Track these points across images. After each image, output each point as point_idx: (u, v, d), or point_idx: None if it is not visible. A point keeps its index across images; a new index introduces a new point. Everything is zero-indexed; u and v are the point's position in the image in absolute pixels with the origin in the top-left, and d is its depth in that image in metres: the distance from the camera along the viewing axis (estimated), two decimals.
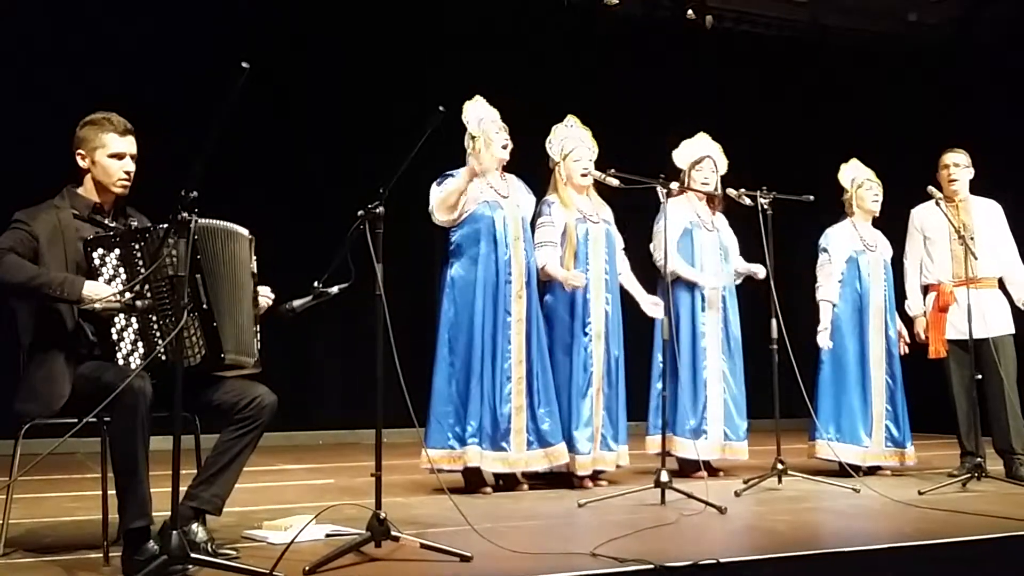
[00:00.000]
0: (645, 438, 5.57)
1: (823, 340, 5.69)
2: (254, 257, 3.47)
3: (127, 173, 3.37)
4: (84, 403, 3.07)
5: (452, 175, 4.87)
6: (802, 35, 9.59)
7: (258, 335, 3.47)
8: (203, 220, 3.15)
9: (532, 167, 5.27)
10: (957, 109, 8.68)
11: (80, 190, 3.39)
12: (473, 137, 4.95)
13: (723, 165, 5.78)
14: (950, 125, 7.99)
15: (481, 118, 4.96)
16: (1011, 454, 5.41)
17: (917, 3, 9.19)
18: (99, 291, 3.12)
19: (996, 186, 5.82)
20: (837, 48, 9.58)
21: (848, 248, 5.78)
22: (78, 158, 3.36)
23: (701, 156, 5.72)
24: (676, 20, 9.06)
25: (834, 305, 5.75)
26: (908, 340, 5.81)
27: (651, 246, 5.64)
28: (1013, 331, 5.54)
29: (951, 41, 9.24)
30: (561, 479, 5.02)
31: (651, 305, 5.37)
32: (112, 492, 3.08)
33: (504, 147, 4.95)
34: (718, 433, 5.56)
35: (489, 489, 4.88)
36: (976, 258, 5.31)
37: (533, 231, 5.11)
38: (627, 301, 5.43)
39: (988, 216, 5.64)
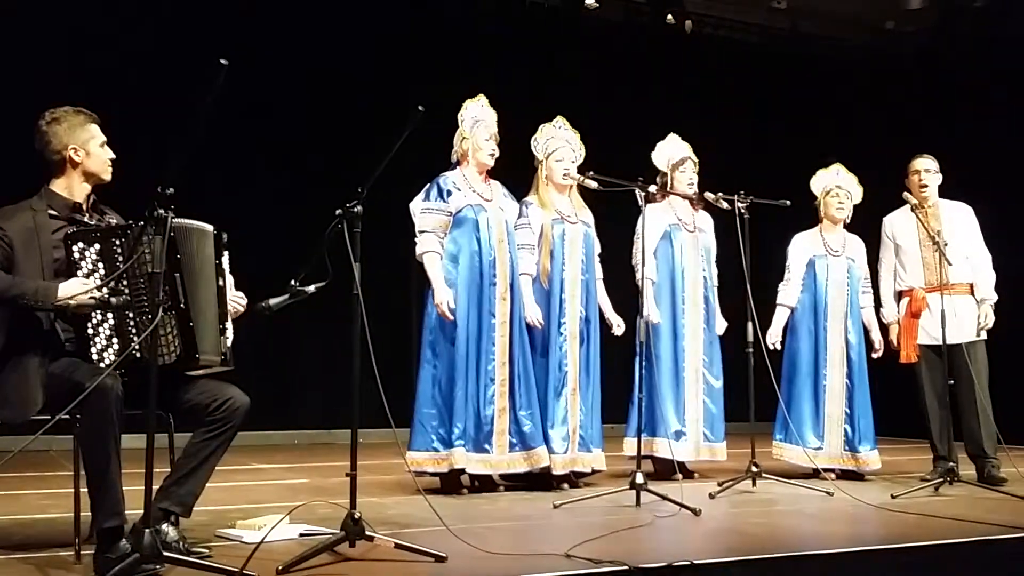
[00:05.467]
0: (623, 440, 5.58)
1: (769, 340, 5.74)
2: (224, 253, 3.45)
3: (111, 159, 3.43)
4: (56, 401, 3.05)
5: (441, 186, 4.90)
6: (781, 41, 9.64)
7: (229, 333, 3.44)
8: (178, 219, 3.13)
9: (509, 169, 5.27)
10: (932, 116, 8.76)
11: (59, 188, 3.36)
12: (464, 137, 4.98)
13: (696, 163, 5.81)
14: (925, 131, 8.07)
15: (476, 120, 4.99)
16: (983, 457, 5.46)
17: (894, 11, 9.27)
18: (73, 290, 3.09)
19: (969, 194, 5.87)
20: (815, 54, 9.65)
21: (808, 253, 5.86)
22: (71, 153, 3.33)
23: (683, 158, 5.74)
24: (655, 25, 9.10)
25: (792, 309, 5.81)
26: (879, 346, 5.86)
27: (632, 251, 5.66)
28: (985, 336, 5.59)
29: (927, 49, 9.32)
30: (538, 480, 5.02)
31: (615, 326, 5.42)
32: (85, 490, 3.06)
33: (491, 155, 4.98)
34: (697, 435, 5.59)
35: (465, 490, 4.88)
36: (950, 264, 5.34)
37: None
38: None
39: (960, 220, 5.68)
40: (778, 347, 5.78)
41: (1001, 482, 5.28)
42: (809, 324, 5.79)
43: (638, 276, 5.52)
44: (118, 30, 7.36)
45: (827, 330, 5.76)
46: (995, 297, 5.59)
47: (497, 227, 4.96)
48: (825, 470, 5.56)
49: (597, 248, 5.44)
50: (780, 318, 5.84)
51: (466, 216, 4.91)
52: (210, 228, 3.40)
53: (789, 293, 5.85)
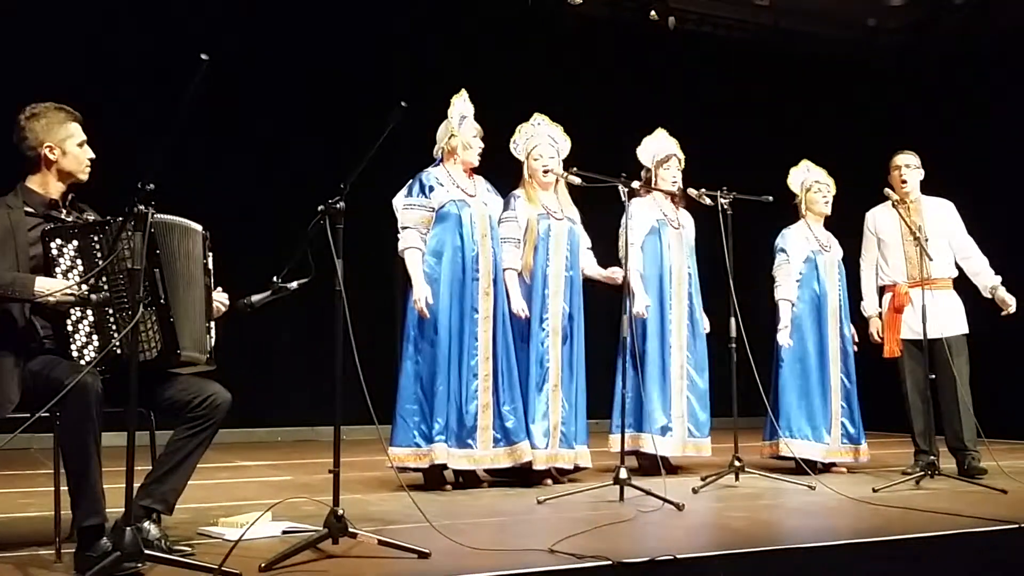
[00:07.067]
0: (608, 436, 5.58)
1: (783, 338, 5.75)
2: (209, 253, 3.45)
3: (90, 159, 3.39)
4: (35, 399, 3.03)
5: (423, 181, 4.90)
6: (763, 37, 9.66)
7: (211, 332, 3.44)
8: (159, 215, 3.13)
9: (493, 166, 5.26)
10: (913, 113, 8.81)
11: (35, 185, 3.34)
12: (452, 134, 4.97)
13: (682, 160, 5.83)
14: (906, 128, 8.12)
15: (464, 117, 5.00)
16: (964, 451, 5.50)
17: (876, 8, 9.31)
18: (51, 286, 3.08)
19: (950, 190, 5.91)
20: (797, 50, 9.68)
21: (805, 249, 5.85)
22: (46, 151, 3.31)
23: (668, 155, 5.75)
24: (639, 21, 9.10)
25: (793, 304, 5.81)
26: (857, 340, 5.90)
27: (619, 245, 5.66)
28: (967, 331, 5.62)
29: (909, 46, 9.37)
30: (522, 476, 5.02)
31: (610, 274, 5.35)
32: (65, 488, 3.04)
33: (478, 153, 5.00)
34: (682, 430, 5.59)
35: (449, 486, 4.87)
36: (931, 259, 5.38)
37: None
38: (592, 301, 5.44)
39: (941, 216, 5.72)
40: (790, 344, 5.77)
41: (981, 475, 5.32)
42: (813, 321, 5.79)
43: (628, 264, 5.54)
44: (117, 28, 7.32)
45: (828, 326, 5.78)
46: (999, 279, 5.61)
47: (480, 222, 4.95)
48: (828, 464, 5.68)
49: (586, 243, 5.44)
50: (787, 314, 5.79)
51: (449, 212, 4.90)
52: (197, 227, 3.40)
53: (791, 288, 5.81)
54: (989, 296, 5.63)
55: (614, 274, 5.34)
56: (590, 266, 5.44)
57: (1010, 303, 5.57)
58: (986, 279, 5.64)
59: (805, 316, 5.80)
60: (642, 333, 5.52)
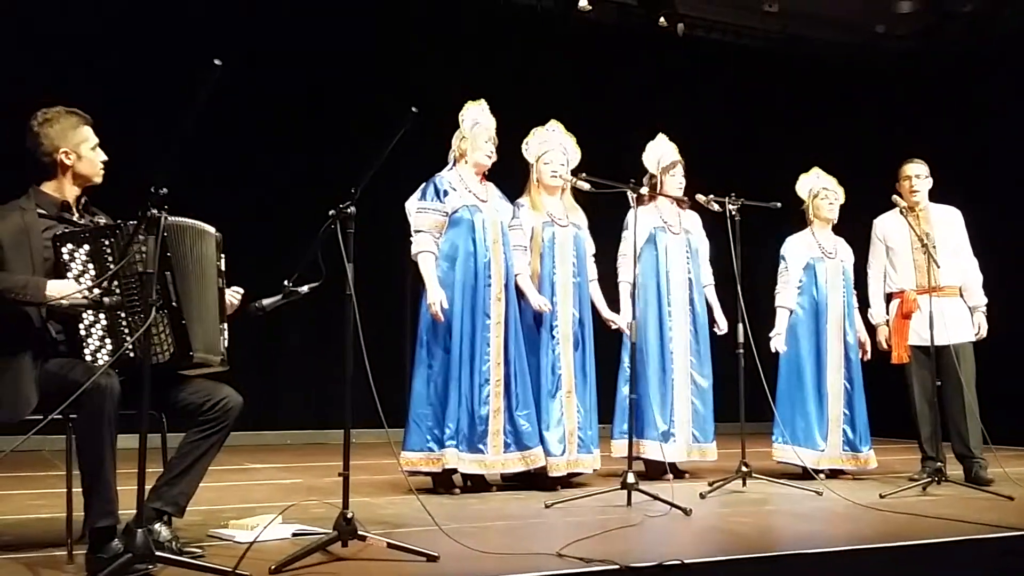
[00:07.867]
0: (611, 441, 5.60)
1: (776, 344, 5.78)
2: (222, 256, 3.48)
3: (103, 162, 3.42)
4: (50, 400, 3.05)
5: (437, 185, 4.92)
6: (772, 44, 9.67)
7: (225, 334, 3.46)
8: (172, 218, 3.15)
9: (500, 172, 5.28)
10: (921, 120, 8.80)
11: (48, 189, 3.36)
12: (463, 137, 4.99)
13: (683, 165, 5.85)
14: (914, 134, 8.11)
15: (476, 122, 5.02)
16: (970, 457, 5.50)
17: (884, 15, 9.31)
18: (64, 289, 3.09)
19: (956, 197, 5.91)
20: (806, 57, 9.69)
21: (805, 256, 5.87)
22: (62, 156, 3.32)
23: (673, 161, 5.77)
24: (648, 27, 9.12)
25: (791, 311, 5.83)
26: (869, 347, 5.91)
27: (619, 251, 5.68)
28: (973, 338, 5.63)
29: (917, 53, 9.37)
30: (532, 480, 5.03)
31: (612, 323, 5.46)
32: (77, 489, 3.07)
33: (489, 156, 5.01)
34: (686, 435, 5.60)
35: (457, 490, 4.89)
36: (939, 267, 5.39)
37: None
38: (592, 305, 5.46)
39: (948, 223, 5.73)
40: (782, 350, 5.80)
41: (988, 482, 5.31)
42: (811, 327, 5.81)
43: (620, 276, 5.57)
44: (117, 28, 7.36)
45: (828, 332, 5.79)
46: (985, 301, 5.65)
47: (492, 228, 4.97)
48: (836, 471, 5.67)
49: (591, 249, 5.46)
50: (783, 321, 5.83)
51: (462, 217, 4.92)
52: (211, 229, 3.42)
53: (789, 295, 5.85)
54: (971, 312, 5.67)
55: (612, 323, 5.46)
56: (593, 287, 5.45)
57: (981, 331, 5.62)
58: (974, 298, 5.67)
59: (803, 322, 5.82)
60: (642, 339, 5.53)
